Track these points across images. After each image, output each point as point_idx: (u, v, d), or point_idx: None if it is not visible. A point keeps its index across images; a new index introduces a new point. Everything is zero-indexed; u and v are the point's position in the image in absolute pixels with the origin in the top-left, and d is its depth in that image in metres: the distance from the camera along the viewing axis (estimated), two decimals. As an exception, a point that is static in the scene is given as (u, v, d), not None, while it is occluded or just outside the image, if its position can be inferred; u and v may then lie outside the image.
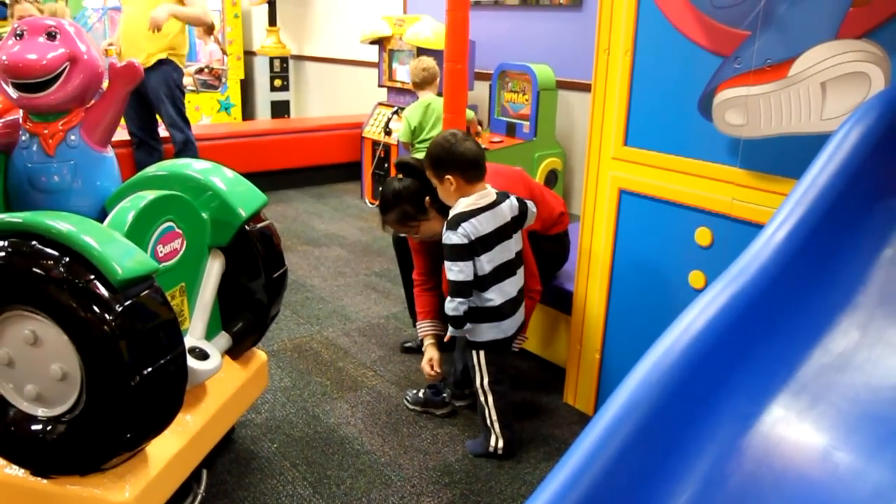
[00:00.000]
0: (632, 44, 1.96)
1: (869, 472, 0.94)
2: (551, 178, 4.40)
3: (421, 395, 2.32)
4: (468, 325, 1.98)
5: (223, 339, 1.88)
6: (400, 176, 2.19)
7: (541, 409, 2.36)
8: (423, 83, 3.96)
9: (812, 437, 1.01)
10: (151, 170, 1.81)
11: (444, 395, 2.30)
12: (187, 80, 4.56)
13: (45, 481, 1.46)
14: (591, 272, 2.22)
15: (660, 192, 1.98)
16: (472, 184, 1.95)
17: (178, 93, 4.30)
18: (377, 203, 2.31)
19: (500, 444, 2.06)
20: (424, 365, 2.27)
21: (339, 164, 5.52)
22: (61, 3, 6.35)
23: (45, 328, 1.37)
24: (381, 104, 4.96)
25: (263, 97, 7.07)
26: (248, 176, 1.94)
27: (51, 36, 1.61)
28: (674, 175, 1.94)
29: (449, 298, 1.94)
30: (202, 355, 1.70)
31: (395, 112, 4.66)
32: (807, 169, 1.29)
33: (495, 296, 1.97)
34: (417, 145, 3.89)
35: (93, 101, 1.73)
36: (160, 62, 4.11)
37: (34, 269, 1.33)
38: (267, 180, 4.39)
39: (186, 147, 4.31)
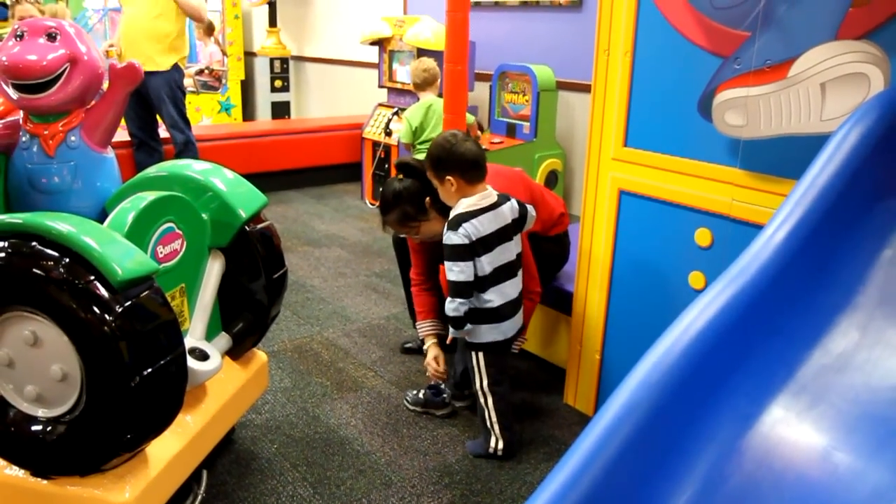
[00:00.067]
0: (631, 44, 1.96)
1: (868, 473, 0.94)
2: (551, 178, 4.40)
3: (421, 395, 2.32)
4: (468, 326, 1.98)
5: (223, 339, 1.88)
6: (400, 176, 2.19)
7: (541, 409, 2.36)
8: (423, 84, 3.96)
9: (812, 438, 1.01)
10: (152, 171, 1.81)
11: (445, 395, 2.30)
12: (187, 82, 4.57)
13: (45, 482, 1.46)
14: (591, 273, 2.22)
15: (660, 193, 1.98)
16: (473, 184, 1.95)
17: (179, 93, 4.31)
18: (377, 204, 2.32)
19: (500, 445, 2.06)
20: (430, 361, 2.27)
21: (339, 164, 5.52)
22: (62, 4, 6.36)
23: (46, 329, 1.37)
24: (381, 105, 4.97)
25: (264, 98, 7.08)
26: (248, 177, 1.95)
27: (51, 37, 1.61)
28: (674, 176, 1.94)
29: (449, 299, 1.94)
30: (202, 356, 1.70)
31: (396, 113, 4.66)
32: (806, 169, 1.29)
33: (494, 297, 1.97)
34: (418, 146, 3.89)
35: (93, 102, 1.74)
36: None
37: (34, 270, 1.33)
38: (267, 181, 4.40)
39: (187, 148, 4.32)
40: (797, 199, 1.24)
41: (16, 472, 1.48)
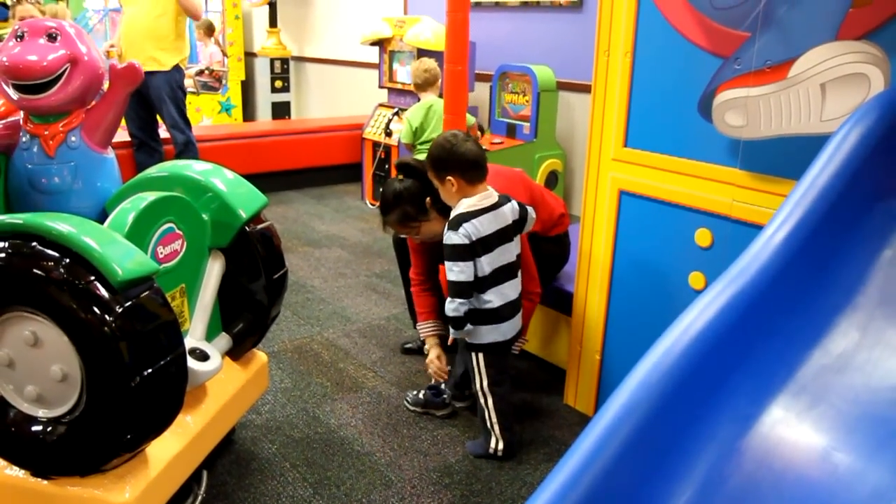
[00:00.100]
0: (632, 45, 1.96)
1: (868, 473, 0.94)
2: (552, 179, 4.40)
3: (421, 396, 2.32)
4: (468, 327, 1.98)
5: (223, 340, 1.88)
6: (400, 177, 2.19)
7: (541, 410, 2.36)
8: (424, 85, 3.96)
9: (811, 438, 1.01)
10: (152, 171, 1.81)
11: (445, 396, 2.30)
12: (187, 82, 4.57)
13: (45, 482, 1.46)
14: (591, 273, 2.22)
15: (660, 193, 1.98)
16: (474, 185, 1.95)
17: (180, 94, 4.31)
18: (378, 204, 2.32)
19: (500, 445, 2.06)
20: (433, 360, 2.27)
21: (339, 165, 5.53)
22: (62, 5, 6.37)
23: (46, 329, 1.37)
24: (381, 105, 4.97)
25: (264, 98, 7.08)
26: (248, 177, 1.95)
27: (51, 37, 1.61)
28: (674, 176, 1.94)
29: (449, 299, 1.94)
30: (202, 356, 1.70)
31: (396, 113, 4.67)
32: (806, 170, 1.29)
33: (494, 297, 1.97)
34: (419, 146, 3.89)
35: (93, 103, 1.74)
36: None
37: (34, 271, 1.33)
38: (267, 181, 4.40)
39: (187, 148, 4.32)
40: (797, 199, 1.24)
41: (16, 473, 1.48)
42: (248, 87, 7.37)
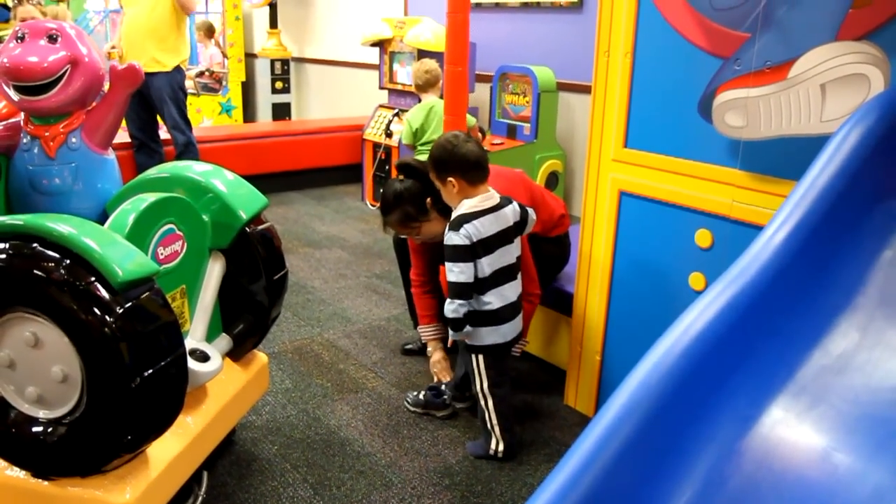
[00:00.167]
0: (632, 46, 1.97)
1: (868, 474, 0.94)
2: (552, 180, 4.40)
3: (421, 397, 2.32)
4: (467, 328, 1.98)
5: (224, 340, 1.88)
6: (401, 177, 2.19)
7: (541, 411, 2.36)
8: (425, 86, 3.95)
9: (811, 439, 1.01)
10: (152, 172, 1.81)
11: (445, 397, 2.30)
12: (187, 84, 4.58)
13: (46, 483, 1.46)
14: (591, 274, 2.22)
15: (660, 194, 1.98)
16: (475, 186, 1.95)
17: (181, 95, 4.31)
18: (378, 205, 2.32)
19: (501, 447, 2.06)
20: (440, 360, 2.28)
21: (339, 166, 5.53)
22: (63, 6, 6.37)
23: (46, 330, 1.38)
24: (381, 106, 4.97)
25: (264, 99, 7.08)
26: (249, 178, 1.95)
27: (52, 39, 1.61)
28: (674, 177, 1.94)
29: (449, 300, 1.94)
30: (203, 357, 1.70)
31: (396, 114, 4.67)
32: (806, 170, 1.29)
33: (494, 299, 1.97)
34: (420, 147, 3.89)
35: (94, 104, 1.74)
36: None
37: (35, 272, 1.33)
38: (268, 182, 4.40)
39: (188, 149, 4.32)
40: (797, 200, 1.24)
41: (17, 473, 1.48)
42: (248, 88, 7.38)
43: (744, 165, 1.77)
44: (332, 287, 3.44)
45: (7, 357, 1.43)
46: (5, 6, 5.59)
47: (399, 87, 4.82)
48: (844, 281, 1.20)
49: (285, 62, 7.00)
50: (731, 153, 1.79)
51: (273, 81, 6.96)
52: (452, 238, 1.91)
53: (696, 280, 1.93)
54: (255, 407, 2.30)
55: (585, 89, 3.39)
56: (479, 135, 4.07)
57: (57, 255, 1.34)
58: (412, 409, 2.33)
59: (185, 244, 1.71)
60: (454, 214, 1.96)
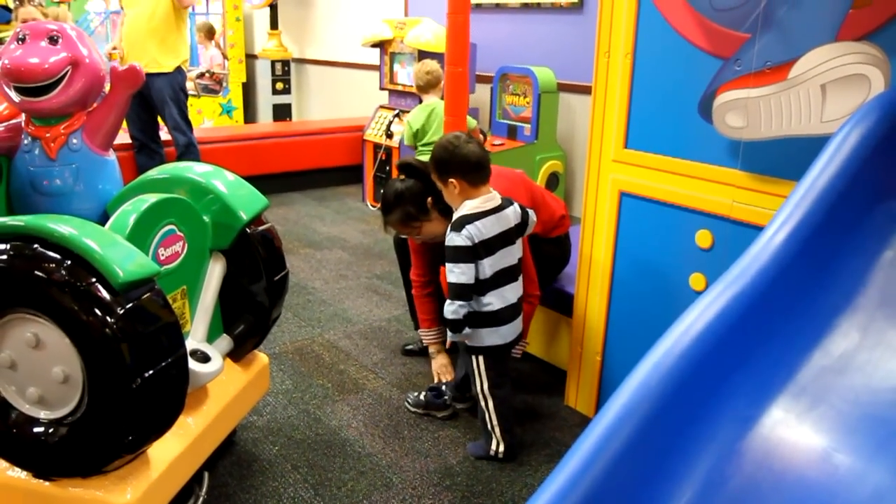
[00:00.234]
0: (632, 46, 1.97)
1: (869, 474, 0.94)
2: (552, 180, 4.40)
3: (422, 397, 2.32)
4: (467, 330, 1.98)
5: (224, 341, 1.88)
6: (402, 176, 2.20)
7: (542, 411, 2.36)
8: (426, 87, 3.95)
9: (812, 439, 1.01)
10: (153, 173, 1.81)
11: (446, 397, 2.30)
12: (188, 85, 4.58)
13: (47, 483, 1.46)
14: (591, 274, 2.22)
15: (660, 195, 1.98)
16: (477, 187, 1.95)
17: (182, 96, 4.32)
18: (378, 206, 2.33)
19: (501, 448, 2.06)
20: (442, 366, 2.28)
21: (340, 167, 5.53)
22: (64, 7, 6.38)
23: (47, 331, 1.38)
24: (382, 107, 4.97)
25: (265, 100, 7.09)
26: (249, 179, 1.95)
27: (53, 40, 1.62)
28: (674, 177, 1.94)
29: (449, 301, 1.94)
30: (203, 358, 1.71)
31: (397, 115, 4.67)
32: (807, 171, 1.29)
33: (494, 300, 1.97)
34: (421, 148, 3.89)
35: (95, 105, 1.74)
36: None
37: (36, 273, 1.33)
38: (268, 183, 4.40)
39: (188, 150, 4.33)
40: (797, 200, 1.24)
41: (18, 474, 1.48)
42: (249, 89, 7.38)
43: (744, 166, 1.77)
44: (332, 288, 3.45)
45: (8, 358, 1.43)
46: (6, 7, 5.59)
47: (399, 88, 4.83)
48: (845, 281, 1.20)
49: (286, 63, 7.00)
50: (732, 154, 1.79)
51: (274, 82, 6.97)
52: (454, 239, 1.91)
53: (696, 280, 1.93)
54: (256, 407, 2.31)
55: (586, 90, 3.40)
56: (480, 137, 4.07)
57: (58, 256, 1.34)
58: (413, 409, 2.33)
59: (186, 245, 1.71)
60: (456, 215, 1.96)
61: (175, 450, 1.60)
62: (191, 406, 1.69)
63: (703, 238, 1.90)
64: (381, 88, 5.01)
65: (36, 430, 1.43)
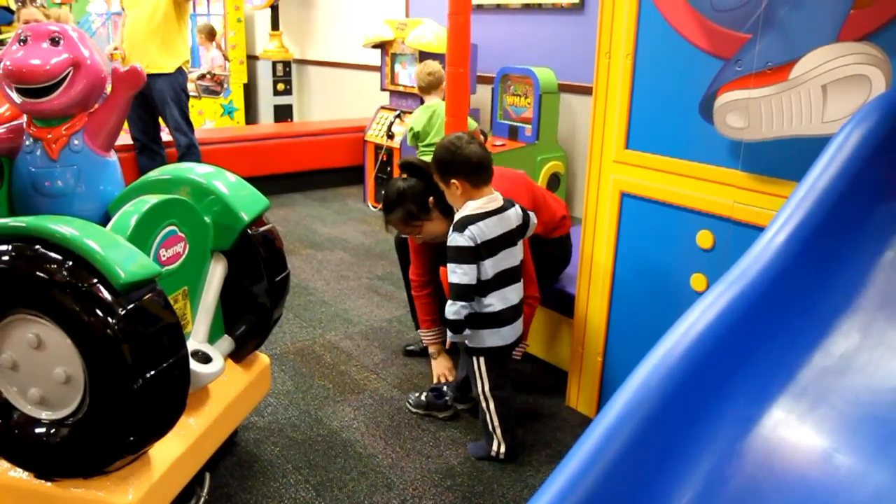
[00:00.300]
0: (633, 47, 1.97)
1: (870, 475, 0.94)
2: (553, 181, 4.40)
3: (423, 398, 2.32)
4: (467, 331, 1.98)
5: (226, 342, 1.88)
6: (404, 175, 2.20)
7: (543, 412, 2.36)
8: (428, 88, 3.95)
9: (812, 440, 1.01)
10: (154, 174, 1.81)
11: (447, 398, 2.30)
12: (189, 86, 4.59)
13: (48, 484, 1.47)
14: (592, 275, 2.22)
15: (661, 195, 1.98)
16: (479, 188, 1.95)
17: (183, 97, 4.32)
18: (379, 207, 2.33)
19: (502, 449, 2.06)
20: (442, 368, 2.28)
21: (341, 167, 5.53)
22: (65, 9, 6.39)
23: (49, 332, 1.38)
24: (383, 108, 4.97)
25: (266, 101, 7.09)
26: (250, 180, 1.95)
27: (54, 41, 1.62)
28: (675, 178, 1.94)
29: (450, 302, 1.94)
30: (205, 359, 1.71)
31: (398, 115, 4.67)
32: (807, 171, 1.29)
33: (495, 301, 1.97)
34: (423, 149, 3.89)
35: (96, 106, 1.74)
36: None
37: (38, 273, 1.34)
38: (269, 184, 4.41)
39: (190, 151, 4.33)
40: (798, 201, 1.24)
41: (19, 475, 1.48)
42: (250, 90, 7.39)
43: (745, 166, 1.77)
44: (333, 288, 3.45)
45: (10, 358, 1.44)
46: (8, 9, 5.60)
47: (401, 89, 4.83)
48: (845, 282, 1.20)
49: (287, 64, 7.01)
50: (733, 154, 1.79)
51: (275, 83, 6.97)
52: (457, 239, 1.91)
53: (697, 281, 1.93)
54: (257, 408, 2.31)
55: (587, 90, 3.40)
56: (481, 137, 4.07)
57: (59, 257, 1.35)
58: (414, 410, 2.33)
59: (187, 246, 1.72)
60: (458, 216, 1.96)
61: (176, 450, 1.60)
62: (192, 407, 1.69)
63: (704, 238, 1.90)
64: (383, 89, 5.02)
65: (37, 430, 1.43)
